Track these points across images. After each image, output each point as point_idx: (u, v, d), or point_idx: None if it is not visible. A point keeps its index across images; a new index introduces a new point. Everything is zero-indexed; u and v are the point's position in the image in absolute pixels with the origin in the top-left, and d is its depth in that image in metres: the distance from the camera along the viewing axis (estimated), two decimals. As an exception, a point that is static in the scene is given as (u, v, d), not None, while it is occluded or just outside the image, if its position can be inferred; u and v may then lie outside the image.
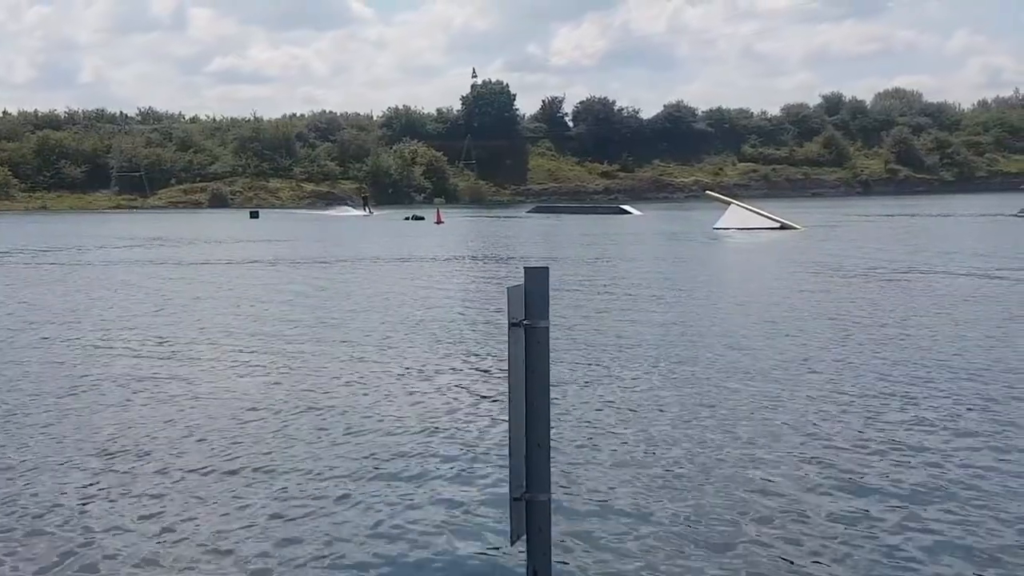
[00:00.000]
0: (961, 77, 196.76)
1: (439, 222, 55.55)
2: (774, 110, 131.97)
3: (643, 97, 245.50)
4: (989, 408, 8.88)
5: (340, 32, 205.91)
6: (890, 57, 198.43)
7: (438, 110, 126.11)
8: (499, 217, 66.81)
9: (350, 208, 79.23)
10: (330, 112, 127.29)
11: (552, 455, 4.00)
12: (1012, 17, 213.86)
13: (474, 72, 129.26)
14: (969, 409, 8.86)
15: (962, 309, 15.60)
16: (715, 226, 42.62)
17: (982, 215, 51.25)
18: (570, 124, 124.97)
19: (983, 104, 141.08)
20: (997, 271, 21.36)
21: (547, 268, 3.94)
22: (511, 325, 3.81)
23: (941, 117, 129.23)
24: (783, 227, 41.48)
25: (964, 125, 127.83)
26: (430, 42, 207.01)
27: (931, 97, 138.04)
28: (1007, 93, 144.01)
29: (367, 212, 74.05)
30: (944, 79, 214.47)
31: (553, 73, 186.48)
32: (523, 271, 3.85)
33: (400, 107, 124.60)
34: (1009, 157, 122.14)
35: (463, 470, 7.41)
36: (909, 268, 22.70)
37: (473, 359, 12.06)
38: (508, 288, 3.77)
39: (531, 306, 3.85)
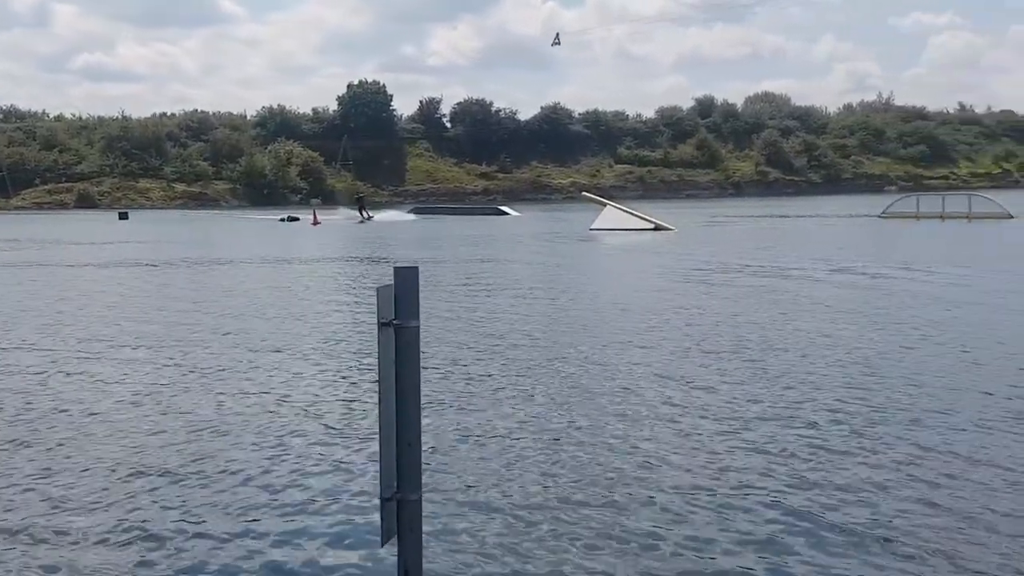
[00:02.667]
0: (827, 82, 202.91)
1: (315, 223, 54.91)
2: (649, 112, 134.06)
3: (520, 99, 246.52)
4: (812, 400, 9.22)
5: (211, 30, 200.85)
6: (759, 61, 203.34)
7: (313, 110, 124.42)
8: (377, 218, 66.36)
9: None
10: (202, 111, 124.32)
11: (423, 454, 4.00)
12: (874, 25, 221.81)
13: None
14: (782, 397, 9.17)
15: (814, 306, 16.16)
16: (591, 227, 43.13)
17: (849, 216, 53.03)
18: (448, 125, 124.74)
19: (848, 108, 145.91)
20: (861, 270, 22.17)
21: (417, 268, 3.94)
22: (380, 325, 3.80)
23: (809, 120, 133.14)
24: (657, 228, 42.21)
25: (831, 128, 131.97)
26: (303, 42, 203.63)
27: (799, 101, 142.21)
28: (871, 97, 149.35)
29: (365, 217, 60.42)
30: (811, 84, 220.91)
31: (430, 74, 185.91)
32: (393, 271, 3.85)
33: (274, 107, 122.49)
34: (873, 159, 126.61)
35: (334, 470, 7.36)
36: (774, 267, 23.39)
37: (345, 359, 11.98)
38: (378, 288, 3.76)
39: (401, 306, 3.83)
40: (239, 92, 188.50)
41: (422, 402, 3.95)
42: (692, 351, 12.08)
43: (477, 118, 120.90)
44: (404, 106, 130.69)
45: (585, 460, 7.46)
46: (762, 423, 8.49)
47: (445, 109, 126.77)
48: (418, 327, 3.84)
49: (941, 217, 46.04)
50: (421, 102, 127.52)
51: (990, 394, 9.40)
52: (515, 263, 26.90)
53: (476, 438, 8.19)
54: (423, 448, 4.04)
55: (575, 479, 7.02)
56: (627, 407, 9.16)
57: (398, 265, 3.88)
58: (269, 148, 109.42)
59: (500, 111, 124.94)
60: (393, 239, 41.34)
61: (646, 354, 11.94)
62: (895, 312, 15.36)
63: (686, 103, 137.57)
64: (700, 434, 8.19)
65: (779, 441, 7.91)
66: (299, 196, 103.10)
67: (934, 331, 13.28)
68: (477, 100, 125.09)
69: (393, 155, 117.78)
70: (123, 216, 71.45)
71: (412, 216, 64.47)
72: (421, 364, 3.85)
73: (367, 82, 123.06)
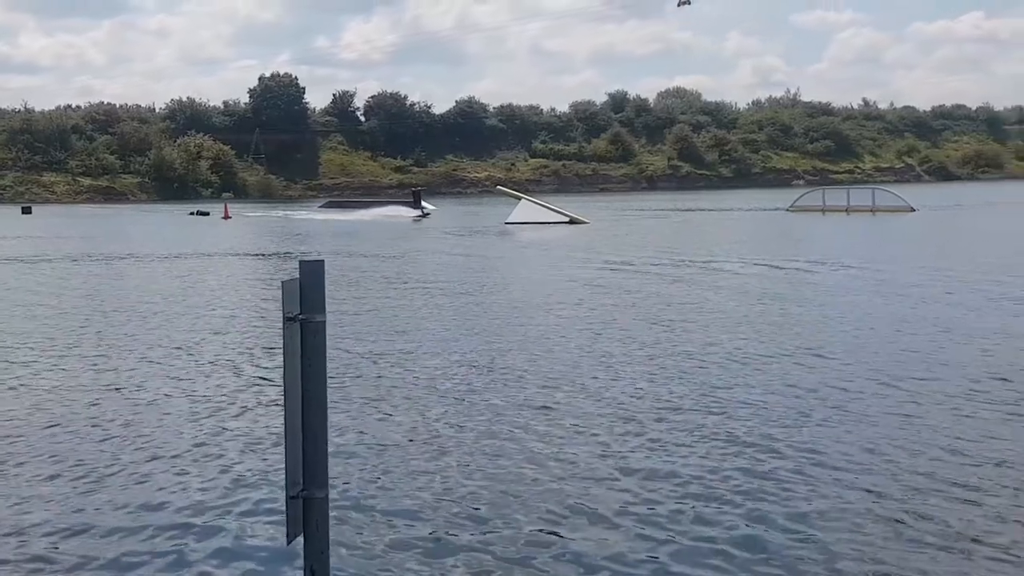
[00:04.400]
0: (736, 77, 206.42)
1: (226, 217, 54.08)
2: (563, 107, 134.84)
3: (435, 92, 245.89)
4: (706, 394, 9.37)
5: (118, 20, 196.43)
6: (671, 57, 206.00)
7: (224, 103, 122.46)
8: (290, 212, 65.52)
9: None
10: (108, 103, 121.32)
11: (329, 451, 3.95)
12: (779, 21, 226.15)
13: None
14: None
15: (717, 295, 16.41)
16: (506, 221, 43.20)
17: (758, 209, 53.94)
18: (362, 118, 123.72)
19: (757, 103, 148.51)
20: (768, 262, 22.56)
21: (322, 261, 3.88)
22: (286, 319, 3.73)
23: (719, 116, 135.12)
24: (572, 221, 42.48)
25: (740, 124, 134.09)
26: (214, 33, 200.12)
27: (710, 96, 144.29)
28: (779, 93, 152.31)
29: (421, 213, 54.72)
30: (721, 79, 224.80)
31: (344, 67, 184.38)
32: (298, 264, 3.79)
33: (184, 99, 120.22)
34: (781, 154, 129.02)
35: (240, 468, 7.25)
36: (681, 259, 23.71)
37: (252, 355, 11.82)
38: (283, 282, 3.69)
39: (307, 300, 3.77)
40: (148, 84, 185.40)
41: (330, 398, 3.90)
42: (598, 343, 12.16)
43: (392, 112, 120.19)
44: (317, 99, 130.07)
45: (490, 459, 7.45)
46: (670, 422, 8.58)
47: (359, 102, 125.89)
48: (324, 321, 3.78)
49: (846, 211, 47.06)
50: (335, 95, 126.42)
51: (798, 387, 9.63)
52: (429, 257, 26.82)
53: (385, 435, 8.14)
54: (330, 445, 3.97)
55: (484, 480, 7.00)
56: (529, 405, 9.17)
57: (303, 259, 3.83)
58: (179, 141, 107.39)
59: (415, 105, 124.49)
60: (306, 233, 40.91)
61: (551, 348, 11.99)
62: (786, 303, 15.67)
63: (600, 98, 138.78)
64: (594, 429, 8.23)
65: (679, 435, 8.01)
66: (210, 190, 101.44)
67: (821, 323, 13.59)
68: (392, 94, 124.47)
69: (306, 148, 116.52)
70: (26, 211, 69.30)
71: (324, 210, 63.51)
72: (328, 359, 3.79)
73: (279, 75, 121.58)
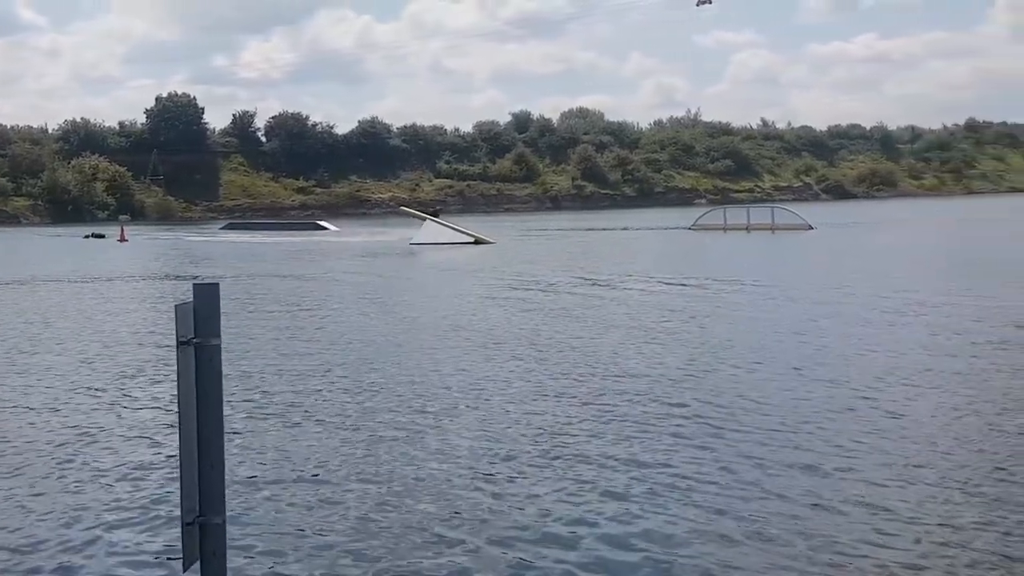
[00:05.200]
0: (638, 97, 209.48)
1: (123, 240, 52.92)
2: (467, 127, 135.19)
3: (337, 112, 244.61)
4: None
5: (8, 39, 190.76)
6: (573, 77, 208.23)
7: (120, 123, 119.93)
8: (190, 234, 64.40)
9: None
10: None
11: (226, 476, 3.88)
12: (679, 42, 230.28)
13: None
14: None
15: (618, 312, 16.62)
16: (411, 241, 43.07)
17: (661, 228, 54.68)
18: (263, 139, 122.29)
19: (659, 123, 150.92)
20: (671, 280, 22.91)
21: (217, 284, 3.83)
22: (179, 344, 3.67)
23: (622, 135, 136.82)
24: (477, 242, 42.51)
25: (643, 143, 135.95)
26: (108, 52, 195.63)
27: (612, 116, 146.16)
28: (680, 113, 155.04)
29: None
30: (623, 99, 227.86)
31: (243, 87, 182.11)
32: (192, 287, 3.73)
33: (78, 119, 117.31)
34: (683, 173, 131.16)
35: (136, 495, 7.09)
36: (585, 278, 23.95)
37: (148, 380, 11.58)
38: (176, 306, 3.63)
39: (201, 323, 3.72)
40: (40, 104, 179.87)
41: (226, 423, 3.84)
42: (491, 365, 12.21)
43: (293, 132, 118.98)
44: (217, 119, 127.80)
45: (399, 483, 7.41)
46: (542, 442, 8.65)
47: (260, 123, 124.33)
48: (219, 345, 3.73)
49: (747, 229, 48.00)
50: (235, 115, 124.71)
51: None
52: (333, 279, 26.60)
53: (283, 461, 8.03)
54: (227, 470, 3.91)
55: (380, 502, 6.96)
56: (427, 426, 9.16)
57: (197, 282, 3.77)
58: (72, 163, 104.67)
59: (317, 125, 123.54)
60: (206, 256, 40.23)
61: (441, 371, 11.99)
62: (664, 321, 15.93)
63: (503, 118, 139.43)
64: (462, 452, 8.22)
65: (549, 452, 8.07)
66: (106, 212, 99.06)
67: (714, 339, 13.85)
68: (293, 114, 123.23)
69: (206, 170, 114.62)
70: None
71: (223, 232, 62.25)
72: (225, 384, 3.74)
73: (177, 94, 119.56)
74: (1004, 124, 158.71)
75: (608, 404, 9.73)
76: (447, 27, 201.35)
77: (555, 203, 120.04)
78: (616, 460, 7.76)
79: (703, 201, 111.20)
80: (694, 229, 50.39)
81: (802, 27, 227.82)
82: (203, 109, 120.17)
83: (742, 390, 10.20)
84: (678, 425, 8.80)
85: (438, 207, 58.09)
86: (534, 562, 5.81)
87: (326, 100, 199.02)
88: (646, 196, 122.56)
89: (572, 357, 12.52)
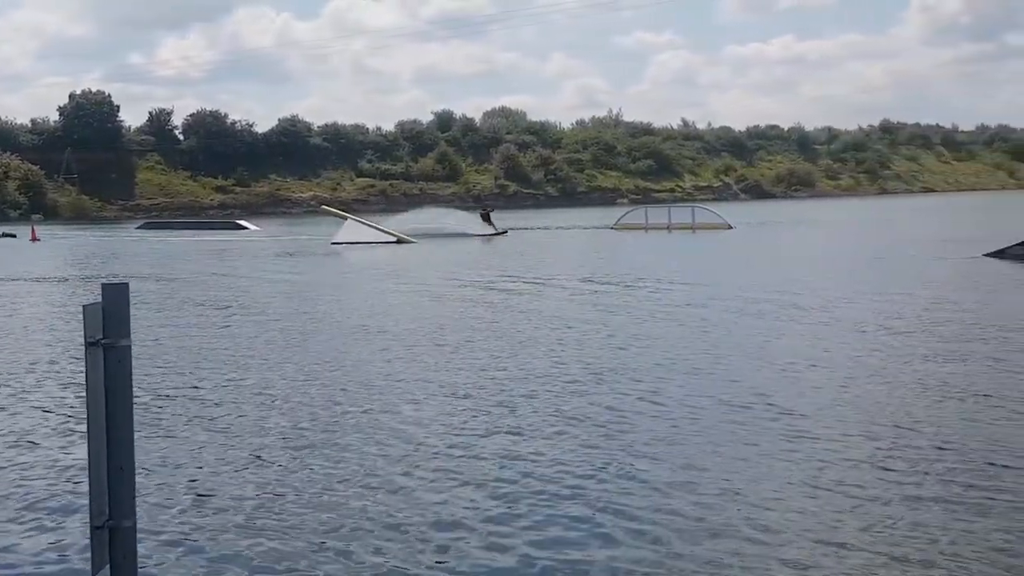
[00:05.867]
0: (560, 98, 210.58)
1: (34, 240, 51.73)
2: (389, 126, 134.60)
3: (256, 111, 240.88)
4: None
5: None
6: (496, 77, 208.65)
7: (33, 121, 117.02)
8: (105, 234, 63.09)
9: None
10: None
11: (137, 479, 3.82)
12: (600, 43, 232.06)
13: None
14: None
15: (524, 314, 16.72)
16: (332, 241, 42.75)
17: (587, 228, 54.99)
18: (181, 137, 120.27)
19: (581, 123, 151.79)
20: (590, 281, 23.07)
21: (127, 284, 3.76)
22: (88, 345, 3.60)
23: (544, 135, 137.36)
24: (400, 241, 42.33)
25: (565, 143, 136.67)
26: (20, 48, 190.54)
27: (535, 116, 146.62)
28: (601, 113, 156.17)
29: (494, 232, 47.81)
30: (545, 99, 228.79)
31: (160, 85, 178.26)
32: (101, 288, 3.66)
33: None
34: (605, 173, 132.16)
35: (43, 498, 6.94)
36: (506, 277, 24.02)
37: (57, 382, 11.34)
38: (84, 306, 3.56)
39: (110, 324, 3.65)
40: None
41: (136, 425, 3.77)
42: (409, 366, 12.19)
43: (212, 130, 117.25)
44: (133, 118, 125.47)
45: (301, 487, 7.36)
46: (428, 444, 8.67)
47: (177, 121, 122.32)
48: (129, 346, 3.67)
49: (668, 228, 48.51)
50: (151, 113, 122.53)
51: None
52: (252, 280, 26.29)
53: (194, 463, 7.93)
54: (137, 473, 3.84)
55: (290, 503, 6.91)
56: (325, 429, 9.09)
57: (106, 282, 3.70)
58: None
59: (236, 123, 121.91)
60: (121, 255, 39.46)
61: (356, 372, 11.95)
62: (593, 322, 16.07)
63: (426, 117, 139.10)
64: (358, 458, 8.15)
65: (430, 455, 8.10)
66: (18, 211, 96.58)
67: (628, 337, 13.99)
68: (211, 112, 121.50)
69: (121, 168, 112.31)
70: None
71: (140, 231, 61.15)
72: (135, 385, 3.67)
73: (91, 92, 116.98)
74: (917, 125, 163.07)
75: (509, 404, 9.74)
76: (369, 26, 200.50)
77: (478, 202, 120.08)
78: (509, 458, 7.79)
79: (625, 201, 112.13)
80: (616, 229, 50.78)
81: (721, 28, 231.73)
82: (118, 107, 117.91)
83: (641, 389, 10.28)
84: (571, 424, 8.85)
85: (489, 207, 56.19)
86: (409, 569, 5.78)
87: (245, 98, 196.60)
88: (569, 196, 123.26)
89: (481, 357, 12.52)
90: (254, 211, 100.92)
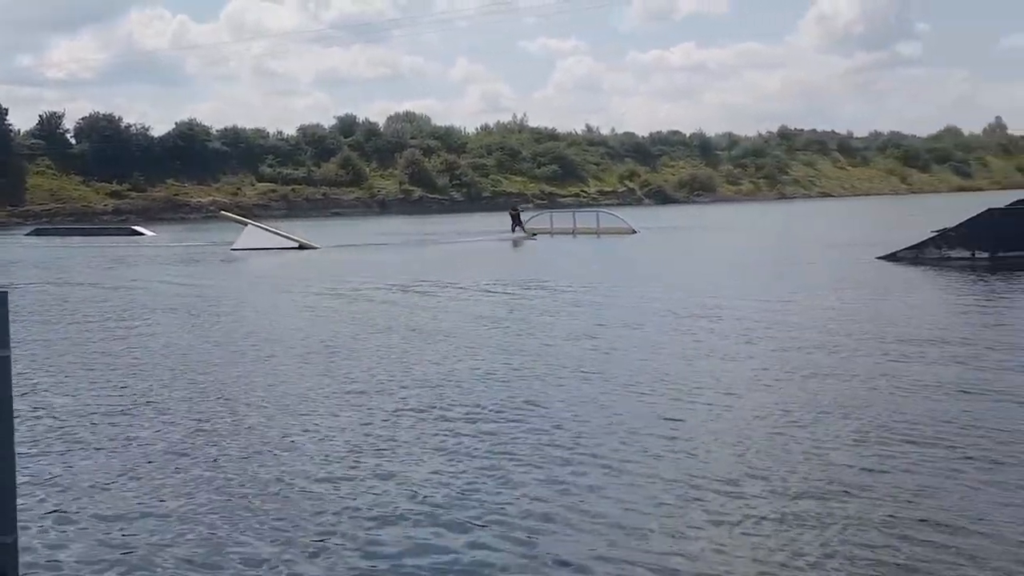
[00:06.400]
0: (464, 103, 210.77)
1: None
2: (290, 130, 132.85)
3: (152, 114, 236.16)
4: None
5: None
6: (399, 82, 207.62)
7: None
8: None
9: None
10: None
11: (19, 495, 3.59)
12: (505, 48, 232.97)
13: None
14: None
15: (419, 320, 16.61)
16: (232, 247, 41.99)
17: (492, 233, 54.95)
18: (73, 141, 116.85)
19: (486, 128, 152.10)
20: (493, 285, 23.02)
21: (6, 292, 3.55)
22: (-36, 354, 3.37)
23: (449, 140, 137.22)
24: (302, 247, 41.79)
25: (470, 148, 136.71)
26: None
27: (439, 121, 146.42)
28: (506, 118, 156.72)
29: (524, 235, 46.20)
30: (450, 104, 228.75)
31: (50, 87, 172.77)
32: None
33: None
34: (510, 178, 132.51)
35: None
36: (411, 283, 23.85)
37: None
38: (-40, 314, 3.32)
39: (-12, 332, 3.42)
40: None
41: (17, 440, 3.54)
42: (290, 367, 12.01)
43: (105, 134, 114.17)
44: (21, 121, 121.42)
45: (191, 498, 7.14)
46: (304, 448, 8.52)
47: (69, 124, 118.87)
48: (8, 357, 3.45)
49: (573, 233, 48.84)
50: (41, 116, 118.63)
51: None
52: (147, 287, 25.62)
53: (74, 476, 7.63)
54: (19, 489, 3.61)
55: (179, 519, 6.69)
56: (212, 440, 8.89)
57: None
58: None
59: (131, 127, 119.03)
60: (8, 263, 38.16)
61: (254, 379, 11.70)
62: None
63: (328, 121, 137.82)
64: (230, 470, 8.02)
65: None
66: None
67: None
68: (105, 115, 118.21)
69: (10, 173, 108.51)
70: None
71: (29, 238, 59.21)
72: (16, 397, 3.44)
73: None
74: (814, 132, 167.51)
75: (393, 411, 9.62)
76: (268, 29, 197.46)
77: (383, 207, 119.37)
78: (383, 476, 7.65)
79: (530, 205, 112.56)
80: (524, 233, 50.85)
81: (624, 36, 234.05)
82: (7, 110, 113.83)
83: (528, 392, 10.24)
84: (450, 431, 8.79)
85: (519, 206, 53.78)
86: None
87: (140, 102, 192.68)
88: (474, 200, 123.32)
89: (378, 365, 12.35)
90: (151, 217, 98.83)
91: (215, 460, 8.03)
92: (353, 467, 7.70)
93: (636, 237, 45.18)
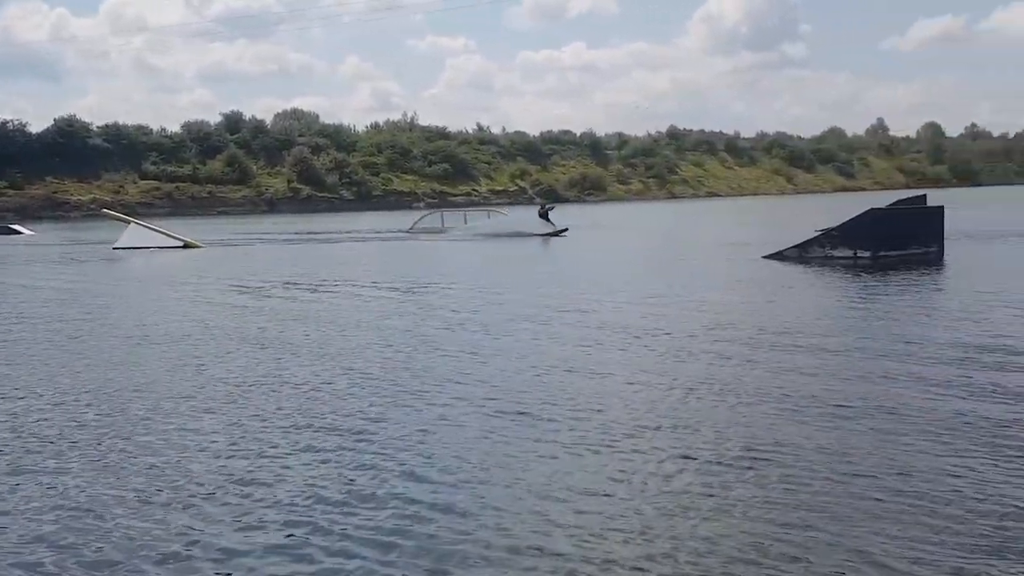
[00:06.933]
0: (354, 100, 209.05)
1: None
2: (174, 127, 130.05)
3: (30, 110, 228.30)
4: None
5: None
6: (287, 79, 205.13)
7: None
8: None
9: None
10: None
11: None
12: (394, 46, 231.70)
13: None
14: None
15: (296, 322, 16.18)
16: (115, 246, 40.66)
17: (382, 232, 54.35)
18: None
19: (376, 126, 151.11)
20: (377, 285, 22.61)
21: None
22: None
23: (339, 138, 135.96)
24: (187, 246, 40.84)
25: (360, 146, 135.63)
26: None
27: (328, 119, 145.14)
28: (396, 116, 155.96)
29: (554, 230, 43.51)
30: (339, 102, 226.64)
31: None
32: None
33: None
34: (401, 177, 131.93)
35: None
36: (298, 283, 23.29)
37: None
38: None
39: None
40: None
41: None
42: (180, 379, 11.46)
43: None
44: None
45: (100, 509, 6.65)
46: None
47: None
48: None
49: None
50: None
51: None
52: (23, 287, 24.50)
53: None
54: None
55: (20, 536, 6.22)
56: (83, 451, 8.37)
57: None
58: None
59: (8, 123, 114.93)
60: None
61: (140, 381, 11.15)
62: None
63: (213, 118, 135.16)
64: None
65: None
66: None
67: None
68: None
69: None
70: None
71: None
72: None
73: None
74: (702, 132, 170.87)
75: (258, 417, 9.22)
76: (150, 23, 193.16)
77: (271, 206, 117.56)
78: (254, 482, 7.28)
79: (421, 205, 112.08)
80: (412, 233, 50.40)
81: (514, 34, 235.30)
82: None
83: (403, 394, 9.94)
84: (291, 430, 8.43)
85: (548, 205, 50.09)
86: None
87: (17, 97, 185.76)
88: (364, 199, 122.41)
89: (252, 368, 11.84)
90: (29, 214, 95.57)
91: (68, 470, 7.53)
92: (220, 471, 7.29)
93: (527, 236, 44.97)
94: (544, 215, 46.79)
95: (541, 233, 43.25)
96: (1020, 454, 7.25)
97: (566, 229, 43.73)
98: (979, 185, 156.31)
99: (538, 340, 13.39)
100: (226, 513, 6.52)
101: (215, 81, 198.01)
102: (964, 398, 9.02)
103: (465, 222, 50.42)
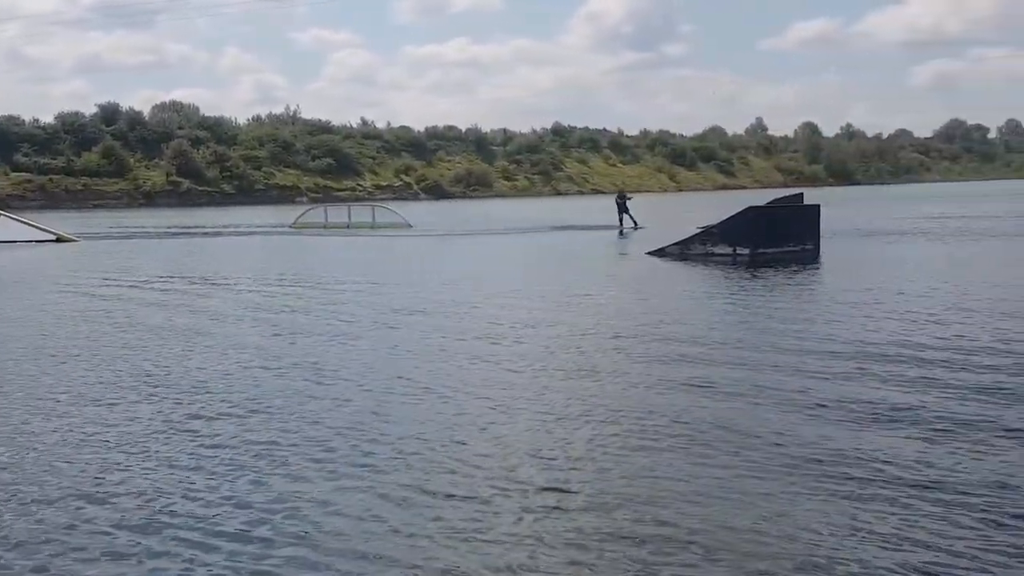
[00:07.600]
0: (235, 93, 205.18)
1: None
2: (48, 118, 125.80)
3: None
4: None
5: None
6: (166, 70, 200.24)
7: None
8: None
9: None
10: None
11: None
12: (277, 38, 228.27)
13: None
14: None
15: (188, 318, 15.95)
16: (-19, 240, 39.23)
17: (263, 226, 53.50)
18: None
19: (258, 120, 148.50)
20: (255, 282, 22.32)
21: None
22: None
23: (219, 131, 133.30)
24: (60, 240, 39.70)
25: (241, 140, 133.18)
26: None
27: (209, 111, 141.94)
28: (279, 110, 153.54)
29: (631, 226, 41.50)
30: (220, 94, 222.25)
31: None
32: None
33: None
34: (284, 171, 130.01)
35: None
36: (170, 279, 22.84)
37: None
38: None
39: None
40: None
41: None
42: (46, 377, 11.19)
43: None
44: None
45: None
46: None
47: None
48: None
49: (347, 227, 48.11)
50: None
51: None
52: None
53: None
54: None
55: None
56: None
57: None
58: None
59: None
60: None
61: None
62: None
63: (89, 109, 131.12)
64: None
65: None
66: None
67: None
68: None
69: None
70: None
71: None
72: None
73: None
74: (587, 129, 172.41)
75: (129, 409, 9.07)
76: (23, 11, 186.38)
77: (149, 200, 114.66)
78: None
79: (304, 199, 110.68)
80: (295, 228, 49.81)
81: (398, 29, 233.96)
82: None
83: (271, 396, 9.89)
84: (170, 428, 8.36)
85: (628, 195, 45.80)
86: None
87: None
88: (246, 193, 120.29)
89: (125, 368, 11.57)
90: None
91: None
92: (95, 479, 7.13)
93: (412, 231, 44.91)
94: (623, 205, 43.54)
95: (622, 227, 41.32)
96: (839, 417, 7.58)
97: (640, 227, 41.23)
98: (855, 184, 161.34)
99: (412, 337, 13.43)
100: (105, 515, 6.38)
101: (91, 72, 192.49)
102: (821, 379, 9.42)
103: (349, 217, 50.05)
